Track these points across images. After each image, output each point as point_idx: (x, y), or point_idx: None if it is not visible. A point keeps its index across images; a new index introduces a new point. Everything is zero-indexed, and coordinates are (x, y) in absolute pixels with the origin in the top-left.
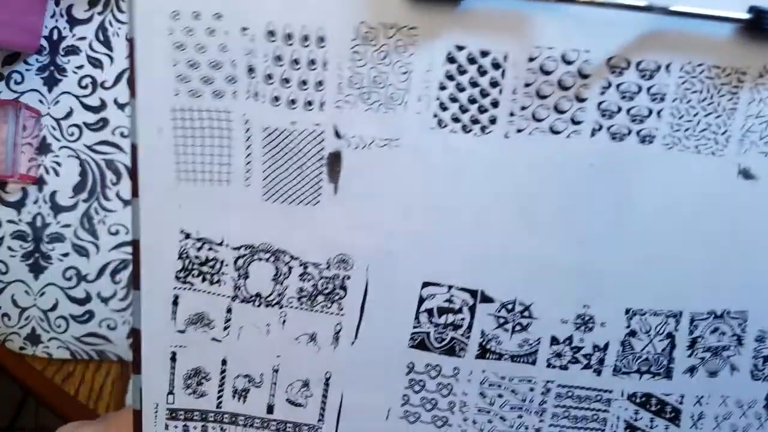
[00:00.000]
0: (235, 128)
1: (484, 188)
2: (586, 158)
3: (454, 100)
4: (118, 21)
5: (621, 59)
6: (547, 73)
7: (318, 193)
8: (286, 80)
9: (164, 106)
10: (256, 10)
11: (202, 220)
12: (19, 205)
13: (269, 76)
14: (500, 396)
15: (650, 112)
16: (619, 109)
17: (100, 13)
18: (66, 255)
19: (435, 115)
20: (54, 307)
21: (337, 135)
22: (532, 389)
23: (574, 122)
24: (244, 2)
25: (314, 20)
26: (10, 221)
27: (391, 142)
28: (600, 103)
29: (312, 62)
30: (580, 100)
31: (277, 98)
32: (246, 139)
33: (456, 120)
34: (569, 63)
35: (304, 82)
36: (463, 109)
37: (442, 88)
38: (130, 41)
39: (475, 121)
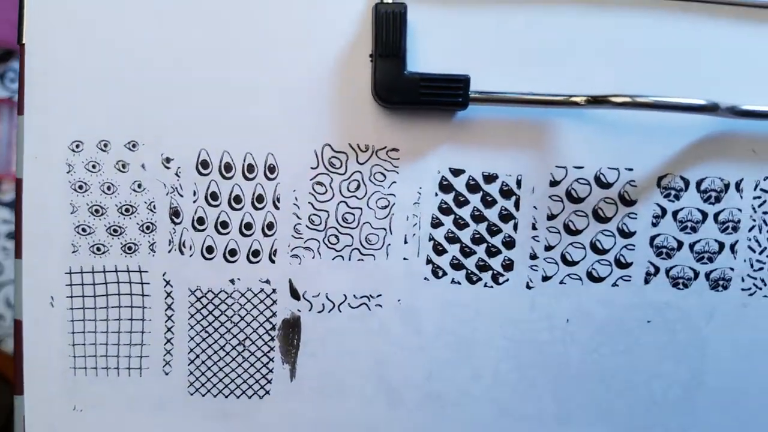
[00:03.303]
0: (152, 293)
1: (500, 361)
2: (640, 313)
3: (453, 240)
4: None
5: (676, 178)
6: (578, 200)
7: (267, 381)
8: (224, 224)
9: (57, 268)
10: (184, 135)
11: (107, 429)
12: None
13: (200, 221)
14: None
15: (721, 246)
16: (680, 245)
17: None
18: None
19: (429, 262)
20: None
21: (294, 295)
22: None
23: (620, 265)
24: (168, 127)
25: (262, 144)
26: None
27: (370, 301)
28: (653, 239)
29: (259, 199)
30: (626, 234)
31: (210, 249)
32: (166, 308)
33: (457, 267)
34: (606, 186)
35: (248, 226)
36: (467, 252)
37: (436, 225)
38: (17, 182)
39: (483, 268)
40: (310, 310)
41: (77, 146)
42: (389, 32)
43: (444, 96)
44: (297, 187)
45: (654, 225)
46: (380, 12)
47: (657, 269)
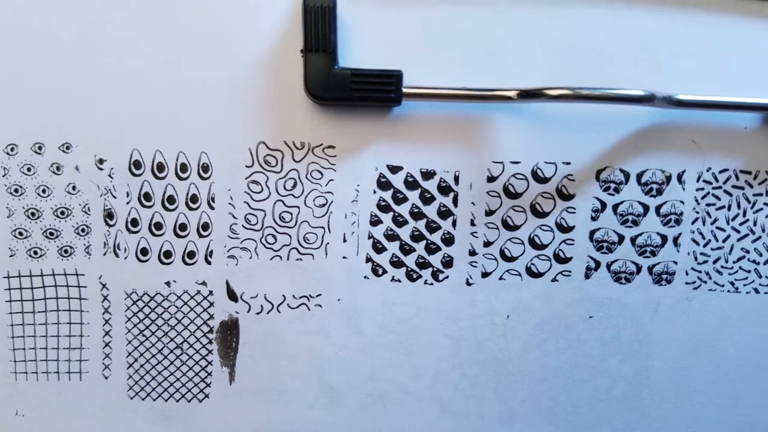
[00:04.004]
0: (89, 297)
1: (442, 359)
2: (581, 308)
3: (392, 237)
4: None
5: (615, 171)
6: (515, 195)
7: (206, 384)
8: (158, 225)
9: None
10: (116, 135)
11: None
12: None
13: (134, 222)
14: None
15: (664, 239)
16: (621, 239)
17: None
18: None
19: (368, 260)
20: None
21: (232, 296)
22: None
23: (560, 260)
24: (100, 127)
25: (195, 143)
26: None
27: (309, 302)
28: (592, 233)
29: (193, 199)
30: (564, 229)
31: (144, 251)
32: (103, 312)
33: (397, 265)
34: (544, 181)
35: (183, 227)
36: (406, 250)
37: (375, 222)
38: None
39: (423, 265)
40: (248, 312)
41: (12, 149)
42: (318, 27)
43: (376, 91)
44: (232, 186)
45: (593, 219)
46: (309, 6)
47: (598, 264)
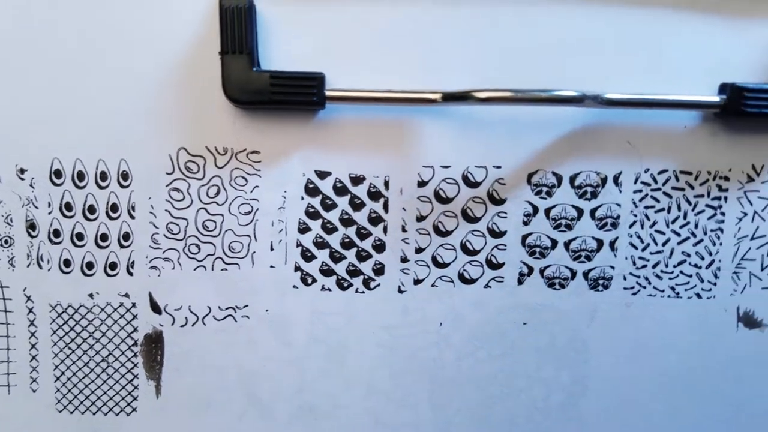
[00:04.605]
0: (15, 309)
1: (374, 369)
2: (515, 314)
3: (322, 245)
4: None
5: (547, 174)
6: (446, 200)
7: (133, 398)
8: (79, 236)
9: None
10: (36, 145)
11: None
12: None
13: (56, 233)
14: None
15: (599, 244)
16: (554, 244)
17: None
18: None
19: (297, 269)
20: None
21: (155, 308)
22: None
23: (492, 265)
24: (20, 136)
25: (114, 150)
26: None
27: (236, 313)
28: (525, 238)
29: (113, 208)
30: (496, 234)
31: (67, 263)
32: (29, 324)
33: (327, 273)
34: (474, 185)
35: (104, 237)
36: (336, 258)
37: (304, 230)
38: None
39: (354, 273)
40: (172, 324)
41: None
42: (235, 28)
43: (297, 95)
44: (152, 195)
45: (525, 224)
46: (224, 7)
47: (531, 269)
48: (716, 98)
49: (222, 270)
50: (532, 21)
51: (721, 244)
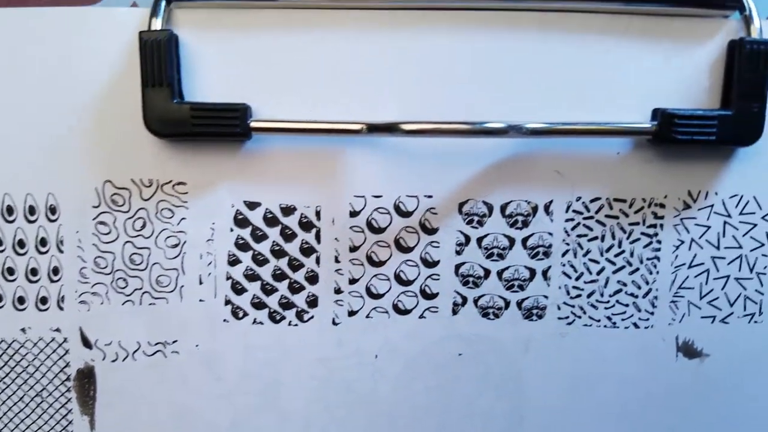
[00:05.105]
0: None
1: (310, 403)
2: (450, 345)
3: (252, 278)
4: None
5: (478, 203)
6: (379, 230)
7: None
8: (10, 270)
9: None
10: None
11: None
12: None
13: None
14: None
15: (532, 273)
16: (487, 273)
17: None
18: None
19: (227, 302)
20: None
21: (86, 343)
22: None
23: (426, 296)
24: None
25: (42, 184)
26: None
27: (166, 348)
28: (458, 267)
29: (42, 242)
30: (430, 264)
31: None
32: None
33: (259, 306)
34: (407, 215)
35: (34, 272)
36: (268, 290)
37: (234, 262)
38: None
39: (286, 306)
40: (103, 360)
41: None
42: (155, 61)
43: (220, 126)
44: (80, 228)
45: (458, 253)
46: (143, 40)
47: (465, 299)
48: (648, 125)
49: (150, 304)
50: (465, 52)
51: (657, 272)
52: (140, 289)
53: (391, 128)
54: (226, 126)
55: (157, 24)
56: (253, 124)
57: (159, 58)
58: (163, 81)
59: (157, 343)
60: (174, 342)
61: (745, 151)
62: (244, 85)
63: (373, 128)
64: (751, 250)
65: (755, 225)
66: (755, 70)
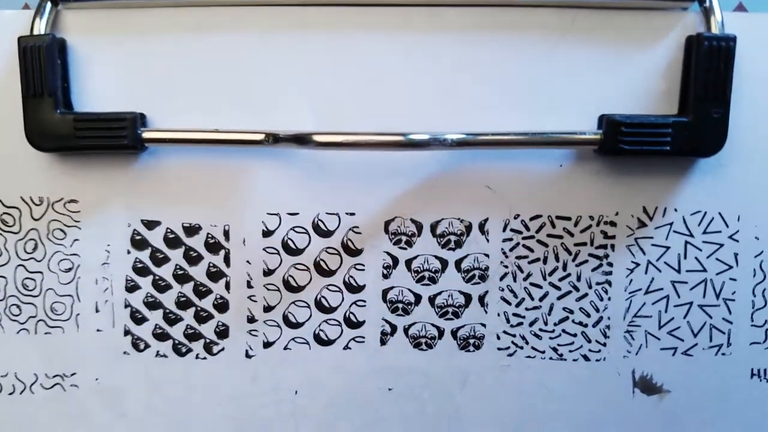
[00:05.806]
0: None
1: None
2: (379, 379)
3: (154, 305)
4: None
5: (405, 221)
6: (296, 251)
7: None
8: None
9: None
10: None
11: None
12: None
13: None
14: None
15: (468, 299)
16: (418, 299)
17: None
18: None
19: (127, 333)
20: None
21: None
22: None
23: (351, 324)
24: None
25: None
26: None
27: (64, 381)
28: (386, 292)
29: None
30: (354, 289)
31: None
32: None
33: (162, 337)
34: (327, 234)
35: None
36: (172, 320)
37: (132, 288)
38: None
39: (193, 337)
40: (0, 392)
41: None
42: (35, 69)
43: (107, 138)
44: None
45: (385, 277)
46: (22, 46)
47: (394, 328)
48: (592, 134)
49: (46, 333)
50: (387, 54)
51: (609, 299)
52: (34, 316)
53: (300, 139)
54: (113, 138)
55: (41, 27)
56: (145, 135)
57: (40, 65)
58: (44, 90)
59: (55, 375)
60: (73, 375)
61: (707, 162)
62: (142, 93)
63: (279, 139)
64: (717, 274)
65: (721, 245)
66: (716, 69)
